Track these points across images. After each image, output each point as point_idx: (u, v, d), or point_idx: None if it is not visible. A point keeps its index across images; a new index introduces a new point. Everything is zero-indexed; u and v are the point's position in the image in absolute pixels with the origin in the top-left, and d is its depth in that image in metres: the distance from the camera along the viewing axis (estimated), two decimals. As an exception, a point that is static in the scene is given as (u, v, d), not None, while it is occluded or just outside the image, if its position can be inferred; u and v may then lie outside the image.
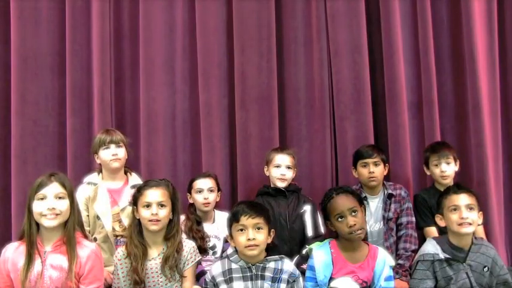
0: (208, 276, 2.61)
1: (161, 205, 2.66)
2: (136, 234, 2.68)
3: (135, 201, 2.73)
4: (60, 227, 2.42)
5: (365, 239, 3.13)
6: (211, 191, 3.33)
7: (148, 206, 2.66)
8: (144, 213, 2.65)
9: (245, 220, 2.56)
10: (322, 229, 3.23)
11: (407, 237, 3.30)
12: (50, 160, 3.83)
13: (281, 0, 3.90)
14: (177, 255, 2.66)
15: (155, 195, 2.68)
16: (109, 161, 3.17)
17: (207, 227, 3.29)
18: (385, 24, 3.81)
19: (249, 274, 2.56)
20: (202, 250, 3.14)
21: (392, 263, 2.79)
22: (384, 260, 2.71)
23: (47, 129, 3.87)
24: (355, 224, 2.63)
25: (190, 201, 3.35)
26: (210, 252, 3.25)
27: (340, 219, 2.67)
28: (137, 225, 2.70)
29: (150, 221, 2.64)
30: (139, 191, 2.73)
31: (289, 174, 3.34)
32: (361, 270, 2.67)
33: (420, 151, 3.76)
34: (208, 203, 3.29)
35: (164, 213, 2.67)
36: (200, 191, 3.31)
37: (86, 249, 2.45)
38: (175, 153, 3.87)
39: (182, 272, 2.66)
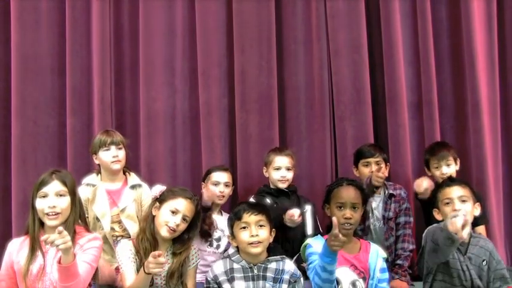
0: (210, 275, 2.61)
1: (185, 219, 2.63)
2: (151, 230, 2.64)
3: (161, 199, 2.68)
4: (63, 224, 2.42)
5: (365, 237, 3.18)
6: (227, 185, 3.38)
7: (174, 212, 2.62)
8: (167, 217, 2.61)
9: (248, 217, 2.58)
10: (320, 228, 3.25)
11: (405, 237, 3.32)
12: (50, 160, 3.81)
13: (281, 0, 3.90)
14: (182, 268, 2.64)
15: (187, 207, 2.64)
16: (110, 163, 3.16)
17: (215, 218, 3.29)
18: (385, 24, 3.82)
19: (250, 274, 2.57)
20: (207, 235, 3.18)
21: (385, 255, 2.81)
22: (377, 252, 2.75)
23: (47, 129, 3.86)
24: (350, 218, 2.67)
25: (204, 190, 3.34)
26: (215, 244, 3.25)
27: (339, 208, 2.71)
28: (153, 220, 2.66)
29: (168, 226, 2.60)
30: (173, 193, 2.68)
31: (290, 175, 3.35)
32: (357, 261, 2.69)
33: (420, 151, 3.77)
34: (223, 197, 3.33)
35: (184, 226, 2.64)
36: (217, 183, 3.34)
37: (89, 235, 2.48)
38: (175, 154, 3.87)
39: (185, 282, 2.65)
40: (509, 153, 3.97)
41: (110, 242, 3.11)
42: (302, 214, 3.23)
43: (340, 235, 2.38)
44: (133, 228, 3.11)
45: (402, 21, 3.85)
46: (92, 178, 3.24)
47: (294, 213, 3.00)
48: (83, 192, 3.13)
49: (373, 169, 3.33)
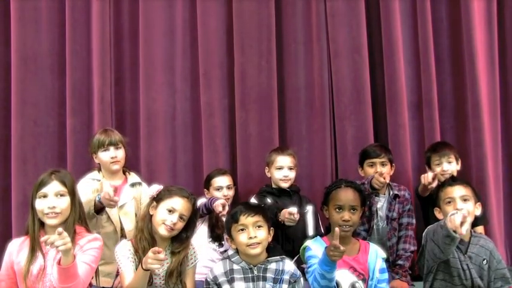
0: (209, 276, 2.60)
1: (182, 217, 2.62)
2: (149, 229, 2.63)
3: (158, 198, 2.67)
4: (63, 224, 2.43)
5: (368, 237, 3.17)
6: (229, 188, 3.42)
7: (171, 211, 2.61)
8: (164, 216, 2.61)
9: (244, 219, 2.57)
10: (322, 229, 3.25)
11: (407, 238, 3.32)
12: (50, 160, 3.82)
13: (281, 0, 3.91)
14: (181, 268, 2.63)
15: (183, 206, 2.63)
16: (109, 164, 3.16)
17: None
18: (385, 24, 3.83)
19: (250, 275, 2.56)
20: (219, 239, 3.19)
21: (384, 255, 2.82)
22: (376, 252, 2.75)
23: (47, 129, 3.87)
24: (349, 221, 2.68)
25: (208, 196, 3.36)
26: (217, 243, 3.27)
27: (337, 210, 2.71)
28: (150, 220, 2.66)
29: (165, 225, 2.59)
30: (169, 192, 2.67)
31: (292, 175, 3.35)
32: (356, 263, 2.69)
33: (420, 151, 3.78)
34: (228, 199, 3.34)
35: (181, 225, 2.63)
36: (219, 188, 3.39)
37: (89, 236, 2.47)
38: (175, 154, 3.87)
39: (184, 281, 2.64)
40: (509, 153, 3.98)
41: (118, 234, 3.09)
42: (303, 214, 3.24)
43: (342, 247, 2.38)
44: (130, 226, 3.12)
45: (402, 21, 3.85)
46: (95, 174, 3.24)
47: (292, 211, 2.99)
48: (90, 184, 3.13)
49: (378, 169, 3.33)
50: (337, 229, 2.45)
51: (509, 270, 2.77)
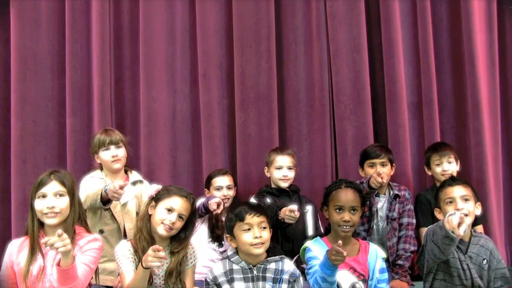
0: (209, 276, 2.60)
1: (181, 217, 2.62)
2: (148, 229, 2.64)
3: (157, 198, 2.67)
4: (62, 224, 2.43)
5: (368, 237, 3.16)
6: (229, 188, 3.42)
7: (170, 210, 2.61)
8: (163, 215, 2.61)
9: (251, 219, 2.57)
10: (321, 229, 3.25)
11: (407, 238, 3.32)
12: (49, 160, 3.83)
13: (281, 0, 3.90)
14: (180, 267, 2.63)
15: (182, 205, 2.63)
16: (110, 162, 3.17)
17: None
18: (385, 24, 3.83)
19: (250, 275, 2.56)
20: (216, 237, 3.21)
21: (384, 255, 2.82)
22: (376, 252, 2.75)
23: (47, 129, 3.87)
24: (349, 221, 2.68)
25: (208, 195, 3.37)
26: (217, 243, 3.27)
27: (338, 211, 2.71)
28: (149, 219, 2.66)
29: (164, 224, 2.60)
30: (168, 192, 2.67)
31: (291, 175, 3.35)
32: (356, 264, 2.69)
33: (420, 151, 3.78)
34: (228, 199, 3.35)
35: (180, 224, 2.63)
36: (219, 188, 3.40)
37: (89, 236, 2.47)
38: (175, 154, 3.87)
39: (183, 280, 2.64)
40: (509, 153, 3.98)
41: (121, 232, 3.10)
42: (303, 214, 3.23)
43: (344, 251, 2.37)
44: (130, 224, 3.13)
45: (402, 21, 3.85)
46: (97, 173, 3.25)
47: (293, 208, 2.98)
48: (95, 182, 3.14)
49: (378, 170, 3.32)
50: (339, 242, 2.43)
51: (509, 270, 2.77)
